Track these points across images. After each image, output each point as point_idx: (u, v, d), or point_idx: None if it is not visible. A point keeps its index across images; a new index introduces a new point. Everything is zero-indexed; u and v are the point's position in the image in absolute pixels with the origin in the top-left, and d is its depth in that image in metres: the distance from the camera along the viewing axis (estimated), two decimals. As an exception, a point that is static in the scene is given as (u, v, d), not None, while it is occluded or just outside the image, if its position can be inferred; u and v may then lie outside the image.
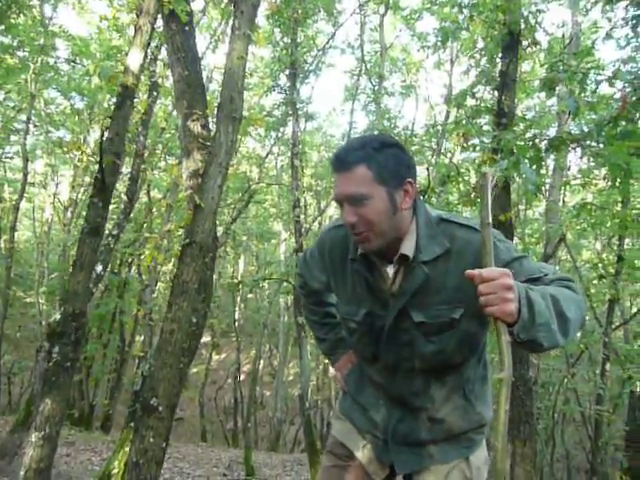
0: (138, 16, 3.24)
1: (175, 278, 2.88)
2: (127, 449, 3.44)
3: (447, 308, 1.30)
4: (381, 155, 1.25)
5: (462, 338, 1.33)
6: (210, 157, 2.94)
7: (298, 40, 8.14)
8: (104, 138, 2.91)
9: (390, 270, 1.35)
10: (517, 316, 1.05)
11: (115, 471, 3.38)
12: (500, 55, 3.92)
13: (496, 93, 3.96)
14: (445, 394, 1.41)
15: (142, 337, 11.10)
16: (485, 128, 4.50)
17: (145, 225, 9.30)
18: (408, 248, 1.30)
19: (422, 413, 1.42)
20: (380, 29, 9.95)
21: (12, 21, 8.71)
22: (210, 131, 3.94)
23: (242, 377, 14.11)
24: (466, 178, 5.51)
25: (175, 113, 11.16)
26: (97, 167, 2.93)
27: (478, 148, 3.82)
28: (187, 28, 3.72)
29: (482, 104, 4.32)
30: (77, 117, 11.99)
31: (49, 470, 2.75)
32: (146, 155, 7.88)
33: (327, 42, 9.59)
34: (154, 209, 9.55)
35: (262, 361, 14.80)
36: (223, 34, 8.87)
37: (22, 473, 2.68)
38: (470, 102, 4.39)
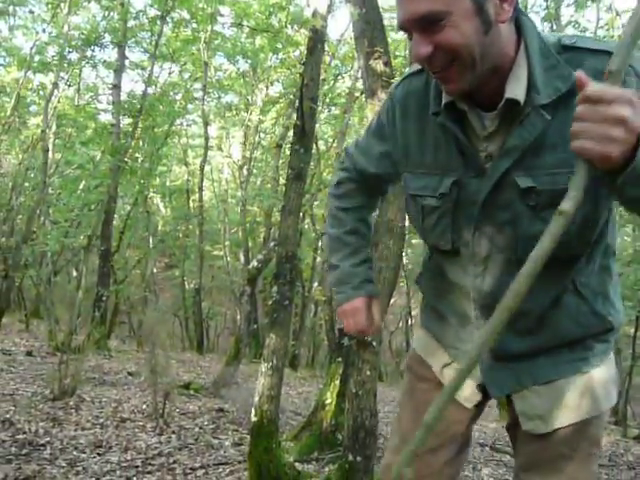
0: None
1: (379, 217, 2.90)
2: (337, 382, 3.65)
3: (567, 171, 0.86)
4: None
5: (586, 216, 0.95)
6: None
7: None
8: (303, 84, 2.97)
9: (489, 121, 0.98)
10: (624, 163, 0.71)
11: (328, 401, 3.63)
12: None
13: None
14: (550, 293, 1.04)
15: (315, 283, 11.73)
16: None
17: (314, 176, 9.62)
18: (516, 89, 0.93)
19: (520, 320, 1.04)
20: None
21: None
22: (393, 68, 3.83)
23: (412, 321, 14.28)
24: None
25: (332, 63, 11.24)
26: (295, 114, 3.01)
27: None
28: (362, -37, 3.60)
29: None
30: (243, 79, 12.66)
31: (278, 397, 3.03)
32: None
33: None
34: (322, 160, 9.82)
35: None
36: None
37: (256, 399, 2.98)
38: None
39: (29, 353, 7.34)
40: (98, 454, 3.42)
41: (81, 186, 10.51)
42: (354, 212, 1.31)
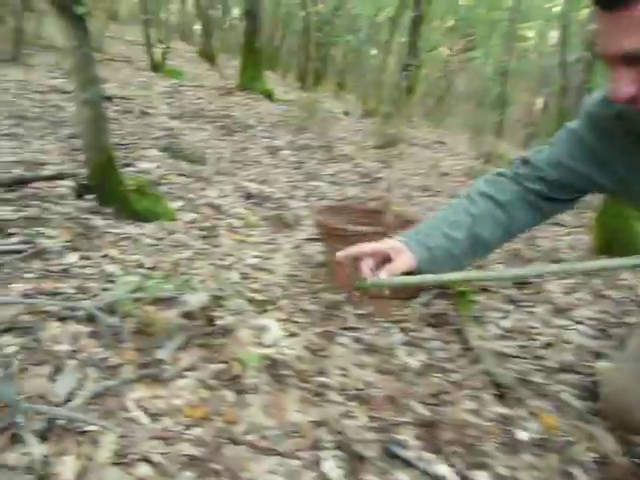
0: None
1: None
2: None
3: None
4: None
5: None
6: None
7: None
8: None
9: None
10: None
11: None
12: None
13: None
14: None
15: None
16: None
17: None
18: None
19: None
20: None
21: None
22: None
23: None
24: None
25: None
26: None
27: None
28: None
29: None
30: None
31: None
32: None
33: None
34: None
35: None
36: None
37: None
38: None
39: (346, 113, 7.99)
40: (426, 196, 3.61)
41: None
42: (490, 202, 0.98)
